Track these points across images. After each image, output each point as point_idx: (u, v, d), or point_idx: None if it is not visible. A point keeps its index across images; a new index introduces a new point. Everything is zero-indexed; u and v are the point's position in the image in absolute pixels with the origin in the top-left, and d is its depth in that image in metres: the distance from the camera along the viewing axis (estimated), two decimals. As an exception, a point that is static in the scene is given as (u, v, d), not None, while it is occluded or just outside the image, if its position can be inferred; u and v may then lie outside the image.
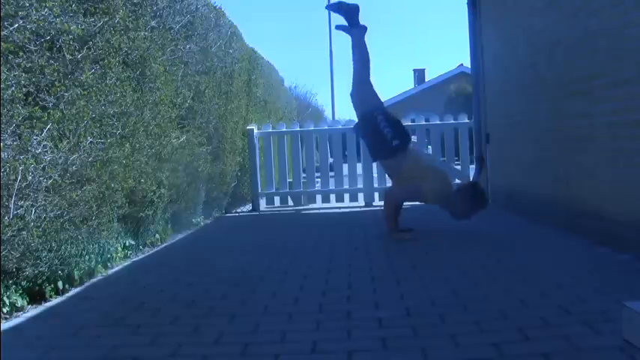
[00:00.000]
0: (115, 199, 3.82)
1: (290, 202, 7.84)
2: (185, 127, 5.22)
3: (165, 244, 4.91)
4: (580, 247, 3.94)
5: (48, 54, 3.07)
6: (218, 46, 6.13)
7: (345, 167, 7.77)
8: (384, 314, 2.61)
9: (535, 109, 5.18)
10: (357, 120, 5.05)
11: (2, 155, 2.68)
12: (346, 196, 7.62)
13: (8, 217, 2.71)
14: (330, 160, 8.00)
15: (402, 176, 4.68)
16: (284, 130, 7.70)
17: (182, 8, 5.17)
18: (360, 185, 7.53)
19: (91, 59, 3.48)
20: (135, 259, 4.25)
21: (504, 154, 6.20)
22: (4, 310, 2.78)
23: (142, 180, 4.25)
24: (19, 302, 2.88)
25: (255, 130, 7.42)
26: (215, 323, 2.59)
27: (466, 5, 6.98)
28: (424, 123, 7.45)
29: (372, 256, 3.96)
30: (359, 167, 7.52)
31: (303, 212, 7.11)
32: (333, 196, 7.60)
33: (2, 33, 2.73)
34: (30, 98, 2.94)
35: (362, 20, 4.99)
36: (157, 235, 4.85)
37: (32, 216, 2.87)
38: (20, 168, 2.78)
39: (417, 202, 6.80)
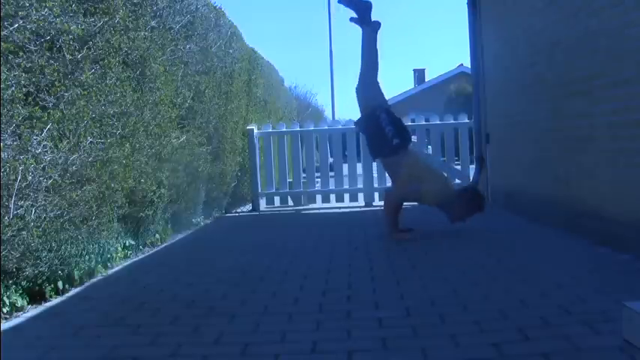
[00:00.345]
0: (115, 199, 3.82)
1: (290, 202, 7.84)
2: (185, 127, 5.22)
3: (165, 244, 4.91)
4: (580, 247, 3.93)
5: (48, 54, 3.07)
6: (218, 46, 6.13)
7: (345, 167, 7.77)
8: (384, 314, 2.61)
9: (535, 109, 5.18)
10: (359, 116, 5.04)
11: (2, 155, 2.68)
12: (346, 196, 7.62)
13: (8, 217, 2.71)
14: (330, 160, 8.00)
15: (401, 176, 4.68)
16: (284, 130, 7.70)
17: (182, 8, 5.17)
18: (360, 185, 7.53)
19: (91, 59, 3.48)
20: (135, 259, 4.25)
21: (504, 154, 6.20)
22: (4, 310, 2.78)
23: (142, 180, 4.25)
24: (19, 302, 2.88)
25: (255, 130, 7.42)
26: (215, 323, 2.59)
27: (466, 5, 6.98)
28: (424, 123, 7.45)
29: (372, 256, 3.96)
30: (359, 167, 7.52)
31: (303, 212, 7.11)
32: (333, 196, 7.60)
33: (2, 33, 2.73)
34: (30, 98, 2.94)
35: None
36: (157, 235, 4.85)
37: (32, 216, 2.87)
38: (20, 168, 2.78)
39: (417, 203, 6.80)
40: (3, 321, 2.73)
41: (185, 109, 5.16)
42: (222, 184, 6.57)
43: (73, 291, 3.32)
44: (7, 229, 2.70)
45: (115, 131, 3.76)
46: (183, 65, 5.11)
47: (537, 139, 5.16)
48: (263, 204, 7.65)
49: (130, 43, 4.04)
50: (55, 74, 3.11)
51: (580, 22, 4.18)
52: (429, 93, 29.35)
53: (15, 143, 2.79)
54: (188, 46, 5.24)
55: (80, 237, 3.35)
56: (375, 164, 7.20)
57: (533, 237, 4.51)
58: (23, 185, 2.81)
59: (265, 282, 3.36)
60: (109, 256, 3.84)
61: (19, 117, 2.81)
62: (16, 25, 2.81)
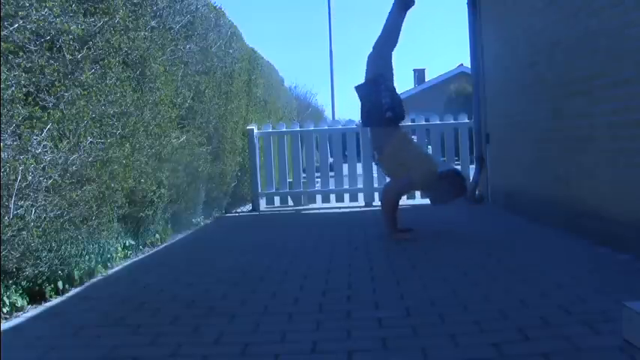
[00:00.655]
0: (115, 199, 3.82)
1: (290, 202, 7.84)
2: (185, 127, 5.22)
3: (165, 244, 4.91)
4: (580, 247, 3.93)
5: (48, 54, 3.07)
6: (218, 46, 6.13)
7: (345, 167, 7.77)
8: (384, 314, 2.61)
9: (535, 109, 5.18)
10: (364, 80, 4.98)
11: (2, 155, 2.68)
12: (346, 196, 7.62)
13: (8, 217, 2.71)
14: (330, 160, 8.01)
15: (386, 153, 4.66)
16: (284, 130, 7.70)
17: (182, 8, 5.17)
18: (360, 185, 7.53)
19: (91, 59, 3.48)
20: (135, 259, 4.25)
21: (504, 154, 6.20)
22: (4, 310, 2.78)
23: (142, 180, 4.25)
24: (19, 302, 2.88)
25: (255, 130, 7.42)
26: (215, 323, 2.59)
27: (466, 5, 6.98)
28: (424, 123, 7.45)
29: (372, 256, 3.96)
30: (359, 167, 7.52)
31: (303, 212, 7.11)
32: (333, 196, 7.60)
33: (2, 33, 2.73)
34: (30, 98, 2.94)
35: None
36: (157, 235, 4.85)
37: (32, 216, 2.87)
38: (20, 168, 2.78)
39: (417, 202, 6.81)
40: (3, 321, 2.73)
41: (185, 109, 5.16)
42: (222, 184, 6.57)
43: (73, 291, 3.32)
44: (7, 229, 2.70)
45: (115, 131, 3.76)
46: (183, 65, 5.11)
47: (537, 139, 5.16)
48: (263, 204, 7.65)
49: (130, 43, 4.03)
50: (55, 74, 3.11)
51: (580, 22, 4.18)
52: (429, 93, 29.34)
53: (15, 143, 2.79)
54: (188, 46, 5.24)
55: (80, 237, 3.35)
56: (374, 165, 7.21)
57: (533, 237, 4.51)
58: (23, 185, 2.81)
59: (265, 282, 3.36)
60: (109, 256, 3.84)
61: (19, 117, 2.81)
62: (16, 25, 2.81)
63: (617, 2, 3.66)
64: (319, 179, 7.76)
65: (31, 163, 2.86)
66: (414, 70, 36.68)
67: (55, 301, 3.12)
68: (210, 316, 2.71)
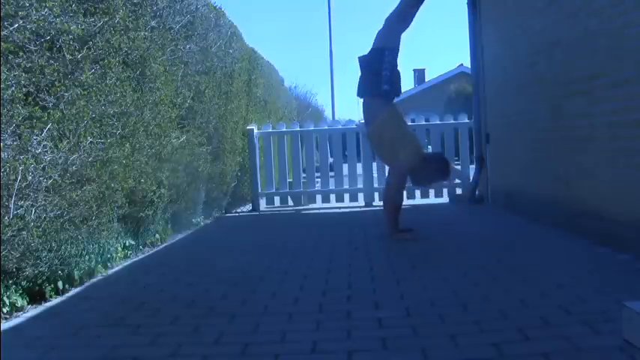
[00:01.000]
0: (115, 199, 3.82)
1: (290, 202, 7.84)
2: (185, 127, 5.22)
3: (165, 244, 4.91)
4: (580, 247, 3.94)
5: (48, 54, 3.07)
6: (218, 46, 6.13)
7: (345, 167, 7.77)
8: (384, 314, 2.61)
9: (535, 109, 5.19)
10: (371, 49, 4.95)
11: (2, 155, 2.68)
12: (346, 196, 7.62)
13: (8, 217, 2.71)
14: (330, 160, 8.01)
15: (376, 128, 4.65)
16: (284, 130, 7.70)
17: (182, 8, 5.17)
18: (360, 185, 7.53)
19: (91, 59, 3.48)
20: (135, 259, 4.25)
21: (504, 154, 6.20)
22: (4, 310, 2.78)
23: (142, 180, 4.25)
24: (19, 302, 2.88)
25: (255, 130, 7.42)
26: (215, 323, 2.59)
27: (466, 5, 6.98)
28: (424, 123, 7.45)
29: (372, 256, 3.96)
30: (359, 167, 7.53)
31: (303, 212, 7.11)
32: (333, 196, 7.60)
33: (2, 33, 2.73)
34: (30, 98, 2.94)
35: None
36: (157, 235, 4.85)
37: (32, 216, 2.87)
38: (20, 168, 2.78)
39: (417, 202, 6.81)
40: (3, 321, 2.73)
41: (185, 109, 5.16)
42: (222, 184, 6.57)
43: (73, 291, 3.32)
44: (7, 229, 2.70)
45: (115, 131, 3.76)
46: (183, 65, 5.11)
47: (537, 139, 5.16)
48: (263, 204, 7.64)
49: (130, 43, 4.03)
50: (55, 74, 3.11)
51: (580, 22, 4.18)
52: (429, 93, 29.36)
53: (15, 143, 2.79)
54: (188, 46, 5.24)
55: (80, 237, 3.35)
56: (375, 164, 7.22)
57: (533, 237, 4.51)
58: (23, 185, 2.81)
59: (265, 282, 3.36)
60: (109, 256, 3.84)
61: (19, 117, 2.81)
62: (16, 25, 2.81)
63: (617, 2, 3.66)
64: (319, 179, 7.76)
65: (31, 163, 2.86)
66: (414, 70, 36.71)
67: (55, 301, 3.12)
68: (210, 316, 2.71)
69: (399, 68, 4.77)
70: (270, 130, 7.64)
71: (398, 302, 2.81)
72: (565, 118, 4.54)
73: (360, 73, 4.91)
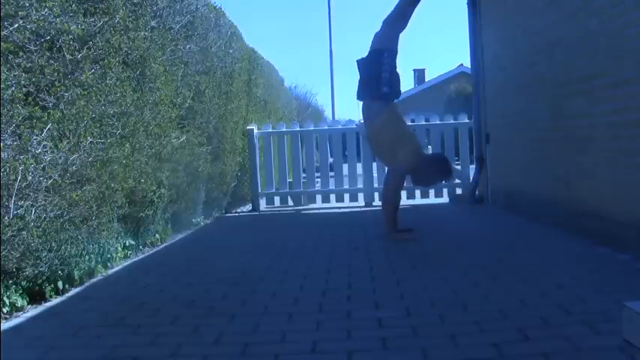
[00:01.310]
0: (115, 199, 3.82)
1: (290, 202, 7.84)
2: (185, 127, 5.22)
3: (165, 244, 4.91)
4: (580, 247, 3.94)
5: (48, 54, 3.07)
6: (218, 46, 6.13)
7: (345, 167, 7.77)
8: (384, 314, 2.61)
9: (535, 109, 5.19)
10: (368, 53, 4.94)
11: (2, 155, 2.68)
12: (346, 196, 7.62)
13: (8, 217, 2.71)
14: (330, 160, 8.01)
15: (376, 126, 4.65)
16: (284, 130, 7.70)
17: (182, 8, 5.17)
18: (360, 185, 7.53)
19: (91, 59, 3.48)
20: (135, 259, 4.25)
21: (504, 154, 6.20)
22: (4, 310, 2.78)
23: (142, 180, 4.25)
24: (19, 302, 2.88)
25: (255, 130, 7.42)
26: (215, 323, 2.59)
27: (466, 5, 6.98)
28: (424, 123, 7.45)
29: (372, 256, 3.96)
30: (359, 167, 7.53)
31: (303, 212, 7.11)
32: (333, 196, 7.60)
33: (2, 33, 2.73)
34: (30, 98, 2.94)
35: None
36: (157, 235, 4.85)
37: (32, 216, 2.87)
38: (20, 168, 2.78)
39: (417, 202, 6.81)
40: (3, 321, 2.73)
41: (185, 109, 5.16)
42: (222, 184, 6.57)
43: (73, 291, 3.32)
44: (7, 229, 2.70)
45: (115, 131, 3.76)
46: (183, 65, 5.11)
47: (537, 139, 5.16)
48: (263, 204, 7.65)
49: (130, 43, 4.03)
50: (55, 74, 3.11)
51: (580, 22, 4.18)
52: (429, 93, 29.36)
53: (15, 143, 2.79)
54: (188, 46, 5.24)
55: (80, 237, 3.35)
56: (375, 164, 7.22)
57: (533, 237, 4.51)
58: (23, 185, 2.81)
59: (265, 282, 3.36)
60: (109, 256, 3.84)
61: (19, 117, 2.81)
62: (16, 25, 2.81)
63: (617, 2, 3.66)
64: (319, 179, 7.76)
65: (31, 163, 2.86)
66: (414, 70, 36.71)
67: (55, 301, 3.12)
68: (210, 316, 2.71)
69: (398, 70, 4.77)
70: (270, 130, 7.64)
71: (398, 302, 2.81)
72: (565, 118, 4.54)
73: (359, 77, 4.92)
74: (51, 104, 3.08)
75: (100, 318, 2.77)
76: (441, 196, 7.41)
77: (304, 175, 7.98)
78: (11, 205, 2.72)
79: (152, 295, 3.17)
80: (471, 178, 7.06)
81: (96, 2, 3.60)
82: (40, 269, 2.98)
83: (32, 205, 2.87)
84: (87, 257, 3.47)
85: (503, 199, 6.22)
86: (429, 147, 7.68)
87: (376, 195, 7.35)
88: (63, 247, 3.15)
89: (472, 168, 7.15)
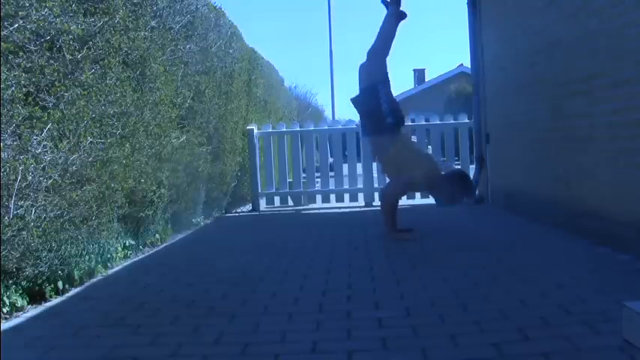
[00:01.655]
0: (115, 199, 3.82)
1: (290, 202, 7.84)
2: (185, 127, 5.22)
3: (165, 244, 4.91)
4: (580, 247, 3.94)
5: (48, 54, 3.07)
6: (218, 46, 6.13)
7: (345, 167, 7.77)
8: (384, 314, 2.61)
9: (535, 109, 5.19)
10: (359, 90, 4.97)
11: (2, 155, 2.68)
12: (346, 196, 7.62)
13: (8, 217, 2.71)
14: (330, 160, 8.01)
15: (389, 158, 4.67)
16: (284, 130, 7.70)
17: (182, 8, 5.17)
18: (360, 185, 7.53)
19: (91, 59, 3.48)
20: (135, 259, 4.25)
21: (504, 154, 6.20)
22: (4, 310, 2.78)
23: (142, 180, 4.25)
24: (19, 302, 2.88)
25: (255, 130, 7.42)
26: (215, 323, 2.59)
27: (466, 5, 6.98)
28: (424, 123, 7.45)
29: (372, 256, 3.96)
30: (359, 167, 7.52)
31: (303, 212, 7.11)
32: (333, 196, 7.60)
33: (2, 33, 2.73)
34: (30, 98, 2.94)
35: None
36: (157, 235, 4.85)
37: (32, 216, 2.87)
38: (20, 168, 2.78)
39: (417, 202, 6.80)
40: (3, 321, 2.73)
41: (185, 109, 5.16)
42: (222, 184, 6.57)
43: (73, 291, 3.32)
44: (7, 229, 2.70)
45: (115, 131, 3.76)
46: (183, 65, 5.11)
47: (537, 139, 5.16)
48: (263, 204, 7.65)
49: (130, 43, 4.04)
50: (55, 74, 3.11)
51: (580, 22, 4.18)
52: (429, 93, 29.34)
53: (15, 143, 2.79)
54: (188, 46, 5.24)
55: (80, 237, 3.35)
56: (375, 164, 7.21)
57: (533, 237, 4.51)
58: (23, 185, 2.81)
59: (265, 282, 3.36)
60: (109, 256, 3.84)
61: (19, 117, 2.81)
62: (16, 25, 2.81)
63: (617, 2, 3.66)
64: (319, 179, 7.76)
65: (31, 163, 2.86)
66: (414, 70, 36.68)
67: (55, 301, 3.12)
68: (210, 316, 2.71)
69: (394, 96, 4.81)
70: (270, 130, 7.64)
71: (398, 302, 2.81)
72: (565, 118, 4.54)
73: (358, 113, 4.96)
74: (51, 104, 3.08)
75: (100, 318, 2.77)
76: (441, 196, 7.40)
77: (304, 175, 7.98)
78: (11, 205, 2.72)
79: (152, 295, 3.17)
80: (471, 178, 7.05)
81: (96, 2, 3.60)
82: (40, 269, 2.98)
83: (32, 205, 2.87)
84: (87, 257, 3.47)
85: (503, 199, 6.22)
86: (429, 147, 7.68)
87: (376, 195, 7.35)
88: (63, 247, 3.15)
89: (472, 168, 7.15)
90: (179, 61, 5.02)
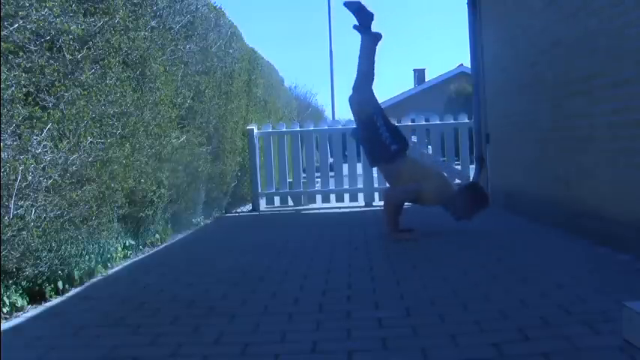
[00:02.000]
0: (115, 199, 3.82)
1: (290, 202, 7.84)
2: (185, 127, 5.22)
3: (165, 244, 4.91)
4: (580, 247, 3.94)
5: (48, 54, 3.07)
6: (218, 46, 6.13)
7: (345, 167, 7.77)
8: (384, 314, 2.61)
9: (535, 109, 5.19)
10: (355, 125, 5.08)
11: (2, 155, 2.68)
12: (346, 196, 7.62)
13: (8, 217, 2.71)
14: (330, 160, 8.01)
15: (401, 180, 4.71)
16: (284, 130, 7.70)
17: (182, 8, 5.17)
18: (360, 185, 7.53)
19: (91, 59, 3.48)
20: (135, 259, 4.25)
21: (504, 154, 6.20)
22: (4, 310, 2.78)
23: (142, 180, 4.25)
24: (19, 302, 2.88)
25: (255, 130, 7.42)
26: (215, 323, 2.59)
27: (466, 5, 6.98)
28: (424, 123, 7.45)
29: (372, 256, 3.96)
30: (359, 167, 7.53)
31: (303, 212, 7.11)
32: (333, 196, 7.60)
33: (2, 33, 2.73)
34: (30, 98, 2.94)
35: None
36: (157, 235, 4.85)
37: (32, 216, 2.87)
38: (20, 168, 2.78)
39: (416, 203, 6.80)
40: (3, 321, 2.73)
41: (185, 109, 5.16)
42: (222, 184, 6.57)
43: (73, 291, 3.32)
44: (7, 229, 2.70)
45: (115, 131, 3.76)
46: (183, 65, 5.11)
47: (537, 139, 5.16)
48: (263, 204, 7.65)
49: (130, 43, 4.04)
50: (55, 74, 3.11)
51: (580, 22, 4.18)
52: (429, 93, 29.34)
53: (15, 143, 2.79)
54: (188, 46, 5.24)
55: (80, 237, 3.35)
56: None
57: (533, 237, 4.51)
58: (23, 185, 2.81)
59: (265, 282, 3.36)
60: (109, 256, 3.84)
61: (19, 117, 2.81)
62: (16, 25, 2.81)
63: (617, 2, 3.66)
64: (319, 179, 7.76)
65: (31, 163, 2.86)
66: (414, 70, 36.67)
67: (55, 301, 3.12)
68: (210, 316, 2.71)
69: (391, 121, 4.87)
70: (270, 130, 7.64)
71: (398, 302, 2.81)
72: (565, 118, 4.54)
73: (360, 145, 5.06)
74: (51, 104, 3.08)
75: (100, 318, 2.77)
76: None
77: (304, 175, 7.98)
78: (11, 205, 2.72)
79: (152, 295, 3.17)
80: (471, 178, 7.05)
81: (96, 2, 3.60)
82: (40, 269, 2.98)
83: (32, 205, 2.87)
84: (87, 257, 3.47)
85: (503, 199, 6.22)
86: (429, 147, 7.69)
87: (376, 195, 7.35)
88: (63, 247, 3.15)
89: (472, 168, 7.15)
90: (179, 61, 5.02)
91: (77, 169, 3.28)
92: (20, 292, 2.91)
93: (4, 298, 2.79)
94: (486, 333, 2.31)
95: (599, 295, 2.74)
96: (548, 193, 4.92)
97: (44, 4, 3.00)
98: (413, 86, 34.68)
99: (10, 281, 2.84)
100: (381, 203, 5.38)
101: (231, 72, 6.66)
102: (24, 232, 2.80)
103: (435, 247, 4.21)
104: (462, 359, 2.08)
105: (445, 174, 5.10)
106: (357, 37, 4.96)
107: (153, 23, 4.50)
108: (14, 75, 2.77)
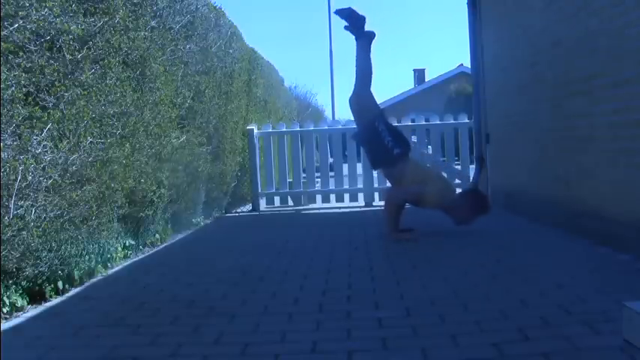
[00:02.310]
0: (115, 199, 3.82)
1: (290, 202, 7.84)
2: (185, 127, 5.22)
3: (165, 244, 4.91)
4: (580, 247, 3.94)
5: (48, 54, 3.07)
6: (218, 46, 6.13)
7: (345, 167, 7.77)
8: (384, 314, 2.61)
9: (535, 109, 5.19)
10: (356, 127, 5.08)
11: (2, 155, 2.68)
12: (346, 196, 7.62)
13: (8, 217, 2.71)
14: (330, 160, 8.01)
15: (403, 183, 4.72)
16: (284, 130, 7.70)
17: (182, 8, 5.17)
18: (360, 185, 7.53)
19: (91, 59, 3.48)
20: (135, 259, 4.25)
21: (504, 154, 6.20)
22: (4, 310, 2.78)
23: (142, 180, 4.25)
24: (19, 302, 2.88)
25: (255, 130, 7.42)
26: (215, 323, 2.59)
27: (466, 5, 6.98)
28: (424, 123, 7.45)
29: (372, 256, 3.96)
30: (359, 167, 7.53)
31: (303, 212, 7.11)
32: (333, 196, 7.60)
33: (2, 33, 2.73)
34: (30, 98, 2.94)
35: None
36: (157, 235, 4.85)
37: (32, 216, 2.86)
38: (20, 168, 2.78)
39: (418, 206, 6.80)
40: (3, 321, 2.73)
41: (185, 109, 5.16)
42: (222, 184, 6.57)
43: (73, 291, 3.32)
44: (7, 229, 2.70)
45: (115, 131, 3.76)
46: (183, 65, 5.11)
47: (537, 139, 5.16)
48: (263, 204, 7.65)
49: (130, 43, 4.03)
50: (55, 74, 3.11)
51: (580, 22, 4.18)
52: (429, 93, 29.35)
53: (15, 143, 2.79)
54: (188, 46, 5.24)
55: (80, 237, 3.35)
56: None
57: (533, 237, 4.51)
58: (23, 185, 2.81)
59: (265, 282, 3.35)
60: (109, 256, 3.84)
61: (19, 117, 2.81)
62: (16, 25, 2.81)
63: (617, 2, 3.66)
64: (319, 179, 7.76)
65: (31, 163, 2.86)
66: (414, 70, 36.68)
67: (55, 301, 3.11)
68: (210, 316, 2.71)
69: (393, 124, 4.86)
70: (270, 130, 7.64)
71: (398, 302, 2.81)
72: (565, 118, 4.54)
73: (362, 149, 5.06)
74: (51, 104, 3.08)
75: (100, 318, 2.77)
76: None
77: (304, 175, 7.98)
78: (11, 205, 2.72)
79: (152, 295, 3.17)
80: (471, 178, 7.05)
81: (96, 2, 3.60)
82: (40, 269, 2.98)
83: (32, 205, 2.87)
84: (87, 257, 3.47)
85: (503, 199, 6.22)
86: (429, 147, 7.69)
87: (376, 195, 7.35)
88: (63, 247, 3.15)
89: (472, 168, 7.15)
90: (179, 61, 5.02)
91: (77, 169, 3.28)
92: (20, 292, 2.91)
93: (4, 298, 2.79)
94: (486, 333, 2.31)
95: (599, 295, 2.74)
96: (548, 193, 4.92)
97: (44, 4, 3.00)
98: (413, 86, 34.69)
99: (10, 281, 2.84)
100: (381, 203, 5.39)
101: (231, 72, 6.66)
102: (24, 232, 2.80)
103: (435, 247, 4.21)
104: (462, 359, 2.08)
105: (445, 174, 5.11)
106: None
107: (153, 23, 4.50)
108: (14, 75, 2.77)
